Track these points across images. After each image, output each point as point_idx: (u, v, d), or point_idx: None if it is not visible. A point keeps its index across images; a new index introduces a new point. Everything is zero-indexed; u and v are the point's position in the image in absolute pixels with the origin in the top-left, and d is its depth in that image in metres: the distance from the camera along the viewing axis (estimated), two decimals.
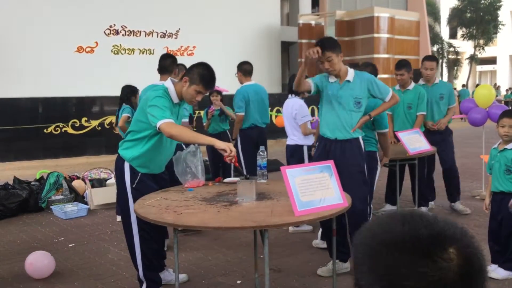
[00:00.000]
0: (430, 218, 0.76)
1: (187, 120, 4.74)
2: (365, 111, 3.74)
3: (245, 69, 5.51)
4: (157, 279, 3.37)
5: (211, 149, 5.00)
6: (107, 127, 10.92)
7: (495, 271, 3.62)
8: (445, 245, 0.71)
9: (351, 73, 3.65)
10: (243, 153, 5.30)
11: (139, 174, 3.21)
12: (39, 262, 3.80)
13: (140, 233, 3.21)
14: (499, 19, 30.50)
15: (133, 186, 3.21)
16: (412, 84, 5.31)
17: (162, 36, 13.22)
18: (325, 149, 3.67)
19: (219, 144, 2.98)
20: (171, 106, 3.13)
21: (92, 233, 5.07)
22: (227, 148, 2.94)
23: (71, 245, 4.70)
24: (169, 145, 3.33)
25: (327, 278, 3.64)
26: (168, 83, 3.20)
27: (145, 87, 4.50)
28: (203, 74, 3.12)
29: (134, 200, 3.11)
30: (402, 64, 5.31)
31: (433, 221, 0.74)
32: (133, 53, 12.73)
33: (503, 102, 21.67)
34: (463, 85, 26.30)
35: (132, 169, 3.21)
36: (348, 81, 3.62)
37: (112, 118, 10.49)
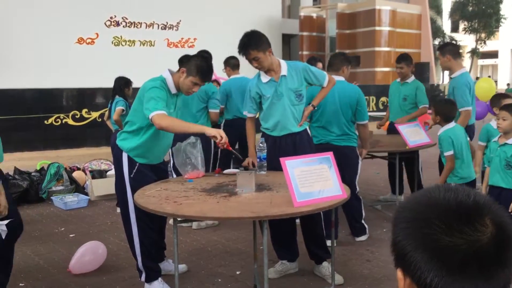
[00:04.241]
0: (470, 190, 0.83)
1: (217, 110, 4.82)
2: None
3: (233, 64, 5.51)
4: (157, 268, 3.39)
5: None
6: None
7: None
8: (482, 213, 0.78)
9: (284, 66, 3.46)
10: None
11: (137, 164, 3.22)
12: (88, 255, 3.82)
13: (138, 222, 3.23)
14: (501, 12, 30.39)
15: (131, 176, 3.22)
16: (412, 78, 5.41)
17: (163, 28, 13.20)
18: (275, 146, 3.49)
19: (209, 131, 3.03)
20: (168, 97, 3.14)
21: (93, 223, 5.10)
22: (217, 134, 3.00)
23: (71, 235, 4.73)
24: (167, 136, 3.34)
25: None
26: (166, 74, 3.21)
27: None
28: (201, 66, 3.13)
29: (132, 190, 3.14)
30: (402, 58, 5.43)
31: (473, 193, 0.82)
32: (134, 45, 12.72)
33: None
34: (477, 78, 26.39)
35: (130, 159, 3.22)
36: (284, 75, 3.44)
37: None
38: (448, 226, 0.76)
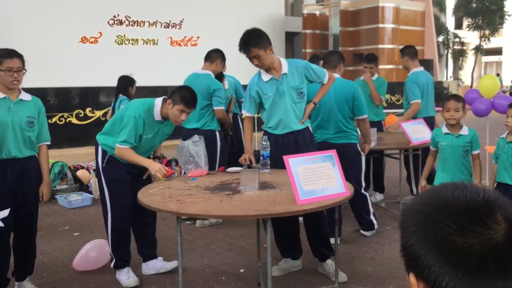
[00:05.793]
0: (478, 187, 0.82)
1: (222, 107, 4.69)
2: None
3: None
4: (125, 257, 3.52)
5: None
6: None
7: None
8: (494, 210, 0.76)
9: (285, 64, 3.47)
10: None
11: (108, 155, 3.41)
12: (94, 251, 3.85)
13: (112, 210, 3.41)
14: (505, 9, 30.20)
15: (103, 165, 3.44)
16: (375, 76, 5.65)
17: (166, 26, 13.19)
18: (277, 144, 3.50)
19: (152, 168, 3.23)
20: (147, 124, 3.30)
21: (97, 222, 5.11)
22: (157, 173, 3.21)
23: (75, 234, 4.75)
24: (145, 147, 3.45)
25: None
26: (158, 101, 3.37)
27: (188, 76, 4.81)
28: (184, 95, 3.31)
29: (105, 179, 3.41)
30: (374, 59, 5.67)
31: (481, 189, 0.80)
32: (137, 44, 12.72)
33: (508, 93, 21.55)
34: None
35: (103, 151, 3.45)
36: (285, 73, 3.45)
37: None
38: (460, 226, 0.74)
